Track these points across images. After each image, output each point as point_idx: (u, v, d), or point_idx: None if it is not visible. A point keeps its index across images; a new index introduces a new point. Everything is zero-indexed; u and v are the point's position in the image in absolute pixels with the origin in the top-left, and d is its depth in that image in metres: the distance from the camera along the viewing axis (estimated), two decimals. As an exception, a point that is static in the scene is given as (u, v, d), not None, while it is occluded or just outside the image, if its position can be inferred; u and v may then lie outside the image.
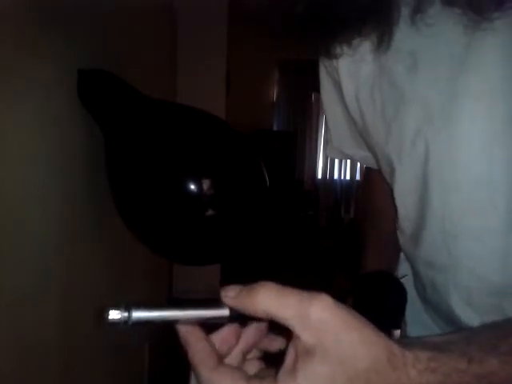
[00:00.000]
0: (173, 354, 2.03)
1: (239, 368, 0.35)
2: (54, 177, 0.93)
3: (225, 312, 0.33)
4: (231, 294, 0.33)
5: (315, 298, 0.31)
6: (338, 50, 0.56)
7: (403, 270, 0.70)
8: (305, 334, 0.30)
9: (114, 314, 0.31)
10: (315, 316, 0.30)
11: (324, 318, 0.30)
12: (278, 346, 0.37)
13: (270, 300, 0.31)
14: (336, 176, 5.70)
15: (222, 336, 0.35)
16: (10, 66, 0.75)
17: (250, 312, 0.32)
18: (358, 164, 4.70)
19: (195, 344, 0.34)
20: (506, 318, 0.39)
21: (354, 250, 0.83)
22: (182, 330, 0.34)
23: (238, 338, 0.36)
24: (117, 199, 1.05)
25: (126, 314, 0.31)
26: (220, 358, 0.34)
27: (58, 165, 0.95)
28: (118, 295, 1.34)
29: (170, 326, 0.34)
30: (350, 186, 5.63)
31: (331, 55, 0.56)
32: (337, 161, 5.54)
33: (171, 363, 2.02)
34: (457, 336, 0.35)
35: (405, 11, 0.49)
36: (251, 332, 0.36)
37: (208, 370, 0.32)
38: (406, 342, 0.32)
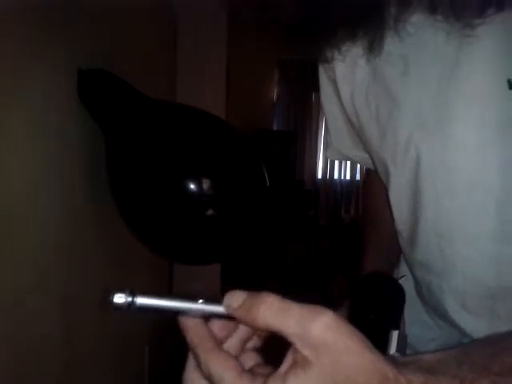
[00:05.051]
0: (173, 355, 2.03)
1: (235, 357, 0.35)
2: (54, 177, 0.93)
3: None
4: (233, 305, 0.33)
5: (317, 316, 0.30)
6: (330, 54, 0.56)
7: (403, 271, 0.70)
8: (305, 351, 0.30)
9: (119, 298, 0.31)
10: (316, 336, 0.30)
11: (324, 339, 0.30)
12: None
13: (271, 316, 0.31)
14: (336, 176, 5.70)
15: (220, 321, 0.35)
16: (10, 67, 0.75)
17: (250, 325, 0.32)
18: (358, 164, 4.67)
19: (194, 327, 0.34)
20: (497, 333, 0.39)
21: (354, 249, 0.83)
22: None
23: (237, 323, 0.36)
24: (117, 199, 1.05)
25: (130, 299, 0.31)
26: (218, 343, 0.34)
27: (58, 165, 0.95)
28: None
29: (171, 316, 0.34)
30: (350, 185, 5.63)
31: (324, 59, 0.57)
32: (337, 161, 5.54)
33: (171, 365, 2.02)
34: (449, 355, 0.34)
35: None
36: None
37: (205, 351, 0.33)
38: (401, 363, 0.32)
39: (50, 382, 0.94)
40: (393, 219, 0.63)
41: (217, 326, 0.35)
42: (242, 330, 0.36)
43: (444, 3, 0.44)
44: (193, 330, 0.34)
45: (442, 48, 0.48)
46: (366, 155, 0.68)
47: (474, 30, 0.44)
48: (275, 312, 0.31)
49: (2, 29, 0.72)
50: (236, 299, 0.33)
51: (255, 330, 0.33)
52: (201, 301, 0.33)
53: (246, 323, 0.33)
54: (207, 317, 0.34)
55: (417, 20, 0.48)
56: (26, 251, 0.83)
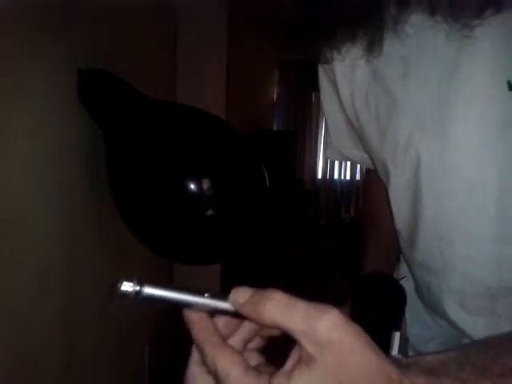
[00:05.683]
0: (173, 355, 2.03)
1: (241, 353, 0.35)
2: (54, 177, 0.93)
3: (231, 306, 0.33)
4: (239, 300, 0.33)
5: (323, 314, 0.30)
6: (329, 54, 0.56)
7: (403, 270, 0.70)
8: (309, 348, 0.30)
9: (127, 286, 0.31)
10: (322, 333, 0.30)
11: (330, 337, 0.30)
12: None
13: (278, 312, 0.31)
14: (336, 176, 5.71)
15: (224, 318, 0.35)
16: (10, 67, 0.75)
17: (256, 321, 0.32)
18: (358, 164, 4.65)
19: (199, 322, 0.34)
20: (498, 334, 0.39)
21: (354, 249, 0.83)
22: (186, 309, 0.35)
23: (240, 322, 0.36)
24: (117, 199, 1.05)
25: (137, 288, 0.31)
26: (224, 338, 0.34)
27: (58, 165, 0.95)
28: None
29: (176, 308, 0.34)
30: (350, 185, 5.63)
31: (323, 60, 0.57)
32: (337, 161, 5.54)
33: (171, 364, 2.02)
34: (450, 356, 0.35)
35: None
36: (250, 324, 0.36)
37: (212, 346, 0.33)
38: (403, 365, 0.32)
39: (50, 381, 0.94)
40: (393, 219, 0.63)
41: (220, 323, 0.35)
42: (245, 330, 0.36)
43: (442, 4, 0.44)
44: (198, 325, 0.34)
45: (441, 49, 0.48)
46: (366, 155, 0.68)
47: (472, 31, 0.44)
48: (282, 308, 0.31)
49: (2, 29, 0.72)
50: (242, 295, 0.33)
51: (261, 326, 0.33)
52: (207, 295, 0.33)
53: (251, 319, 0.32)
54: (212, 312, 0.34)
55: (416, 21, 0.48)
56: (25, 251, 0.83)
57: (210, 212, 0.94)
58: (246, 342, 0.37)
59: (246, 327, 0.36)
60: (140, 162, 0.98)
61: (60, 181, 0.96)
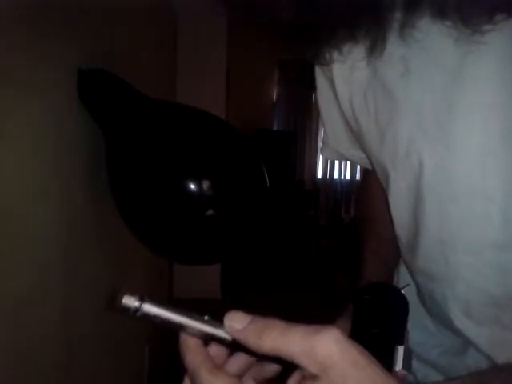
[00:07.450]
0: (173, 355, 2.04)
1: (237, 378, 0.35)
2: (53, 177, 0.93)
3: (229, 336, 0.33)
4: (237, 326, 0.32)
5: (323, 333, 0.30)
6: (328, 55, 0.54)
7: (403, 271, 0.69)
8: (312, 368, 0.30)
9: (128, 301, 0.32)
10: (323, 352, 0.30)
11: (331, 356, 0.30)
12: (272, 371, 0.37)
13: (276, 338, 0.31)
14: (336, 176, 5.71)
15: (215, 349, 0.35)
16: (10, 66, 0.75)
17: (254, 349, 0.32)
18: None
19: (195, 348, 0.34)
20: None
21: (354, 249, 0.83)
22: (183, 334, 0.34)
23: (226, 357, 0.36)
24: (117, 199, 1.05)
25: (137, 304, 0.32)
26: (218, 365, 0.34)
27: (58, 165, 0.95)
28: (118, 295, 1.33)
29: (172, 330, 0.34)
30: (350, 185, 5.63)
31: (322, 61, 0.56)
32: (337, 161, 5.55)
33: (171, 365, 2.02)
34: (466, 382, 0.34)
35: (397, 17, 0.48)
36: (242, 356, 0.36)
37: (208, 371, 0.32)
38: None
39: (50, 381, 0.94)
40: (392, 222, 0.62)
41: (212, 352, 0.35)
42: (233, 366, 0.36)
43: (452, 9, 0.42)
44: (195, 350, 0.34)
45: (446, 52, 0.47)
46: (364, 155, 0.67)
47: (483, 37, 0.42)
48: (280, 333, 0.31)
49: (2, 29, 0.72)
50: (240, 321, 0.32)
51: (258, 353, 0.32)
52: (206, 317, 0.33)
53: (250, 346, 0.32)
54: (207, 338, 0.34)
55: (423, 25, 0.46)
56: (25, 251, 0.83)
57: (210, 212, 0.94)
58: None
59: (235, 362, 0.36)
60: (140, 162, 0.98)
61: (60, 181, 0.96)
